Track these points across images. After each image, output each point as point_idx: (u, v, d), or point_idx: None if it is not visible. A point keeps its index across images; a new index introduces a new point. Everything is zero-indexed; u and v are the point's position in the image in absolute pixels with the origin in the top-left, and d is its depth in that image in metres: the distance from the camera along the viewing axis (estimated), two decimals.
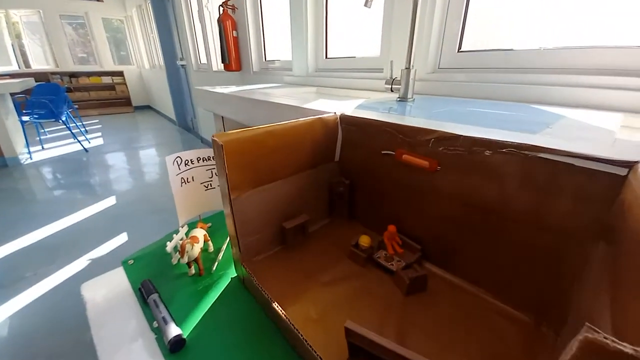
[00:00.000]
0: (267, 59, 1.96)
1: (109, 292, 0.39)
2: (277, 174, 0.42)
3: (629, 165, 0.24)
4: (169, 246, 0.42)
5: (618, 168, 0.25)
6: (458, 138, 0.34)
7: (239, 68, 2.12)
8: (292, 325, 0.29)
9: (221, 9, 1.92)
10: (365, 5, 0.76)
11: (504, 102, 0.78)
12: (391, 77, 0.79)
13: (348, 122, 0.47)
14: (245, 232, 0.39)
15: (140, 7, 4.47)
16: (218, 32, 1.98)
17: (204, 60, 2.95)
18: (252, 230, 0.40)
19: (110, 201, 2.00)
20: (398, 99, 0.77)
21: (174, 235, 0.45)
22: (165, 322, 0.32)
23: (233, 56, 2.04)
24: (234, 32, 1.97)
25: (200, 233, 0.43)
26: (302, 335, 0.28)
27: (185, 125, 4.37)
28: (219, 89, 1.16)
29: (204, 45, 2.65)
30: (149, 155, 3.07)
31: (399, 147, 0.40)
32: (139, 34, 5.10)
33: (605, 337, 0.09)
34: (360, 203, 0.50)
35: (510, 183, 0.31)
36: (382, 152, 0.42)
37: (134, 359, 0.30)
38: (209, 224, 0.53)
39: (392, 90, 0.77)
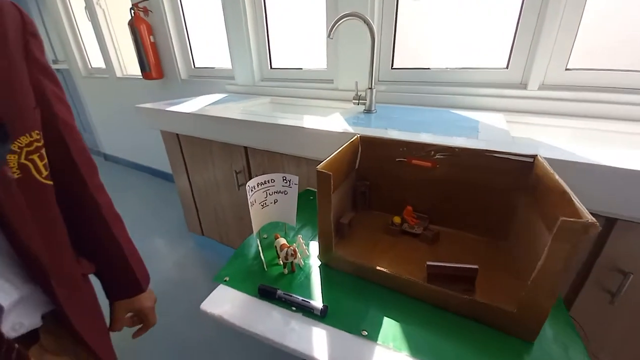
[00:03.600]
0: (195, 66, 1.89)
1: (234, 303, 0.48)
2: (335, 186, 0.57)
3: (533, 156, 0.51)
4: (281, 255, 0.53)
5: (529, 158, 0.52)
6: (449, 148, 0.57)
7: (160, 76, 1.97)
8: (393, 274, 0.47)
9: (132, 12, 1.74)
10: (329, 36, 0.94)
11: (431, 108, 1.10)
12: (357, 94, 1.00)
13: (367, 141, 0.65)
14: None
15: None
16: (132, 39, 1.79)
17: (97, 64, 2.53)
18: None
19: None
20: (365, 111, 1.00)
21: (259, 248, 0.55)
22: (307, 302, 0.46)
23: (153, 63, 1.88)
24: (150, 37, 1.82)
25: (284, 240, 0.56)
26: (404, 277, 0.47)
27: None
28: (181, 108, 1.14)
29: (99, 49, 2.28)
30: None
31: (409, 154, 0.62)
32: None
33: (571, 219, 0.32)
34: (376, 197, 0.70)
35: (475, 169, 0.57)
36: (397, 159, 0.63)
37: (304, 330, 0.43)
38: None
39: (357, 104, 0.99)
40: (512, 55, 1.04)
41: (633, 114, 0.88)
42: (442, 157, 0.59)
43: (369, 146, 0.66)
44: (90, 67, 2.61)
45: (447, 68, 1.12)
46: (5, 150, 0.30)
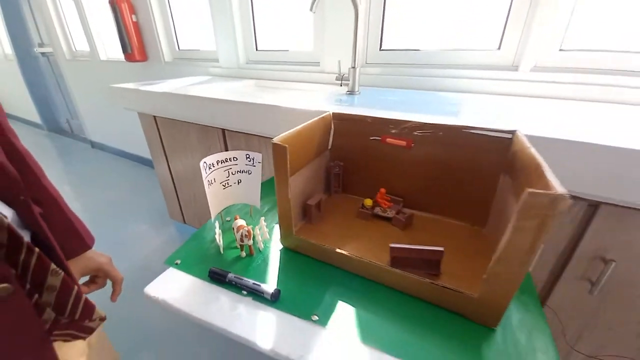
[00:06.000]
0: (180, 48, 1.82)
1: (181, 287, 0.44)
2: (300, 164, 0.53)
3: (512, 132, 0.47)
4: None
5: (507, 134, 0.48)
6: (424, 124, 0.53)
7: (144, 58, 1.89)
8: (353, 256, 0.44)
9: None
10: (311, 10, 0.88)
11: (417, 90, 1.05)
12: (340, 74, 0.95)
13: (339, 118, 0.61)
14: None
15: None
16: (113, 17, 1.71)
17: (81, 47, 2.44)
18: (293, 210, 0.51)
19: None
20: (347, 93, 0.95)
21: (216, 230, 0.51)
22: (258, 285, 0.42)
23: (136, 44, 1.81)
24: (132, 16, 1.74)
25: (242, 222, 0.52)
26: (365, 259, 0.43)
27: (57, 129, 3.54)
28: (157, 88, 1.09)
29: (83, 30, 2.19)
30: None
31: (383, 133, 0.57)
32: None
33: (537, 190, 0.28)
34: (350, 180, 0.66)
35: (453, 148, 0.53)
36: (371, 137, 0.59)
37: (251, 316, 0.39)
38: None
39: (341, 85, 0.94)
40: (504, 35, 0.98)
41: (632, 99, 0.83)
42: (417, 135, 0.55)
43: (342, 124, 0.61)
44: (74, 49, 2.52)
45: (438, 49, 1.06)
46: None
